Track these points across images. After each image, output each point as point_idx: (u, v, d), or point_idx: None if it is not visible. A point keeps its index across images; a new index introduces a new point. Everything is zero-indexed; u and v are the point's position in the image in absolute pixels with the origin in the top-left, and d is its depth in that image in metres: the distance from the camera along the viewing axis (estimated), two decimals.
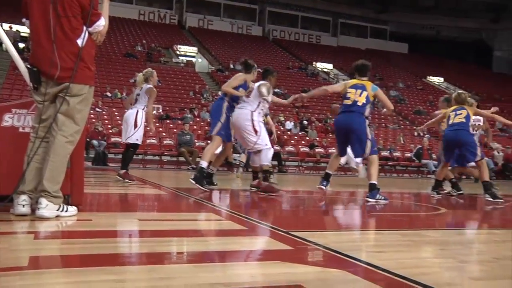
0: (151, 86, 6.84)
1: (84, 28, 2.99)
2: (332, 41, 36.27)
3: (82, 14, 2.96)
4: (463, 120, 6.13)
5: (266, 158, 5.71)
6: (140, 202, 4.82)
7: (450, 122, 6.25)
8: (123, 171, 6.68)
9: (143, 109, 6.73)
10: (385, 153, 16.39)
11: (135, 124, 6.58)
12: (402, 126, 22.14)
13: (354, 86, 5.59)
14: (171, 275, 1.75)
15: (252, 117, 5.71)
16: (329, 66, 30.44)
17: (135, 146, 6.79)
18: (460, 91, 6.76)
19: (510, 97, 30.66)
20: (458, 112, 6.20)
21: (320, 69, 29.80)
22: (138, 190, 6.12)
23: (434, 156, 15.84)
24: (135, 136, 6.62)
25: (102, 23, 3.05)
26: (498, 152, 15.21)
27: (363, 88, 5.55)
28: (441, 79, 32.66)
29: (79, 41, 2.95)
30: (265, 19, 35.12)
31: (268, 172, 5.78)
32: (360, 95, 5.49)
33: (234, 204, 4.94)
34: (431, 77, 32.80)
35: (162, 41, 28.14)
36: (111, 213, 3.75)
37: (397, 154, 16.56)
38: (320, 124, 20.06)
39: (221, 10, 33.78)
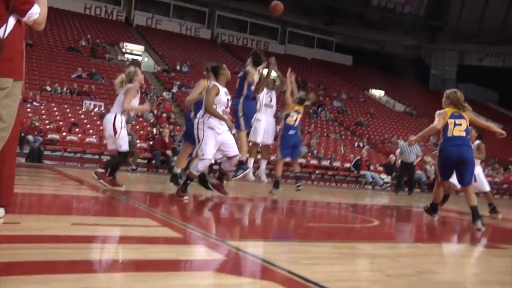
0: (133, 85, 6.30)
1: (10, 17, 2.81)
2: (280, 48, 36.71)
3: (6, 2, 2.78)
4: (463, 134, 5.30)
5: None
6: (75, 204, 4.67)
7: (449, 134, 5.32)
8: (102, 171, 6.18)
9: (121, 113, 6.16)
10: (325, 163, 16.75)
11: (114, 132, 6.08)
12: (343, 137, 22.72)
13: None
14: (102, 285, 1.73)
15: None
16: (274, 73, 30.79)
17: (124, 153, 6.32)
18: (455, 89, 5.66)
19: None
20: (457, 122, 5.33)
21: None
22: (74, 191, 5.95)
23: (372, 167, 16.39)
24: (119, 143, 6.13)
25: (36, 11, 2.88)
26: (430, 166, 15.92)
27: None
28: (382, 93, 33.83)
29: (0, 31, 2.77)
30: (215, 22, 35.08)
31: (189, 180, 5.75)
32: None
33: (173, 210, 4.89)
34: (372, 90, 33.90)
35: (107, 37, 27.46)
36: (42, 216, 3.58)
37: (337, 164, 16.97)
38: None
39: (170, 10, 33.40)
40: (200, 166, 5.65)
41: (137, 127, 16.22)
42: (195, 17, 34.56)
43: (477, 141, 7.56)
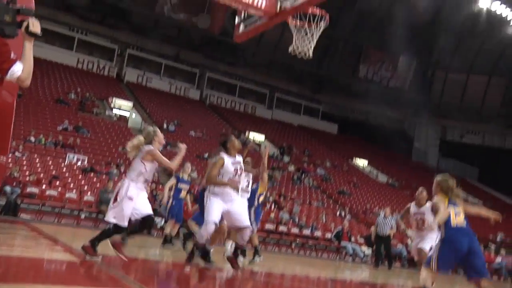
0: (152, 147, 5.62)
1: None
2: (267, 113, 37.30)
3: None
4: (464, 223, 5.02)
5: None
6: (43, 269, 4.48)
7: (453, 223, 4.99)
8: (88, 244, 5.35)
9: (134, 180, 5.47)
10: (306, 231, 16.59)
11: (115, 198, 5.46)
12: (325, 205, 22.67)
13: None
14: None
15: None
16: (262, 137, 31.10)
17: (115, 226, 5.37)
18: (446, 177, 5.29)
19: (425, 186, 32.46)
20: (457, 210, 5.05)
21: (252, 139, 30.36)
22: (46, 253, 5.73)
23: (353, 238, 16.24)
24: (111, 213, 5.42)
25: (17, 68, 2.82)
26: (411, 241, 15.81)
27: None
28: (366, 163, 34.18)
29: None
30: (204, 83, 35.69)
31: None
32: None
33: (150, 279, 4.72)
34: (356, 160, 34.26)
35: (97, 92, 27.69)
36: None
37: (318, 233, 16.80)
38: None
39: (161, 69, 34.01)
40: (204, 231, 5.55)
41: (119, 184, 16.04)
42: (185, 77, 35.18)
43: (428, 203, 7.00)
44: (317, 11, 5.22)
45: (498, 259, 19.00)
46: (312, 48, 5.38)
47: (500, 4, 32.37)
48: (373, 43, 38.26)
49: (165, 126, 25.69)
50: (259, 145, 24.96)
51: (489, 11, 33.15)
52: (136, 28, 33.42)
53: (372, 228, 13.68)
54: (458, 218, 4.97)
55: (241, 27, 5.66)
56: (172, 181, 9.37)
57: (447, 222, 4.97)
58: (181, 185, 9.27)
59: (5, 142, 2.96)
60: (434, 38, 37.81)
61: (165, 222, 10.18)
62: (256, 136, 30.95)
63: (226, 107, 35.46)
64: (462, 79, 39.41)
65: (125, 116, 25.77)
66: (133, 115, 26.38)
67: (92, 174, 16.45)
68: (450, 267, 5.16)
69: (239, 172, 5.86)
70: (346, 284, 7.30)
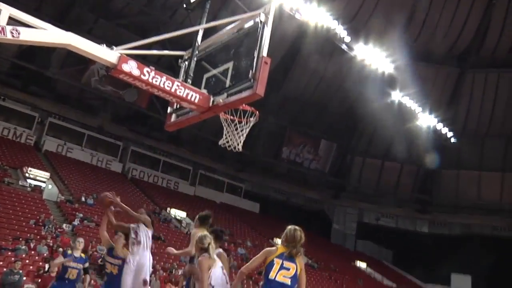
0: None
1: None
2: (190, 189, 36.99)
3: None
4: (288, 282, 4.55)
5: None
6: None
7: (271, 276, 4.54)
8: None
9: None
10: None
11: None
12: (245, 285, 22.28)
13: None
14: None
15: None
16: (183, 214, 30.58)
17: None
18: (296, 226, 4.97)
19: (342, 268, 33.12)
20: (285, 265, 4.60)
21: (173, 216, 29.75)
22: None
23: None
24: None
25: None
26: None
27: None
28: None
29: None
30: (127, 156, 35.04)
31: None
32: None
33: None
34: (277, 240, 34.35)
35: (11, 160, 26.29)
36: None
37: None
38: (165, 273, 19.40)
39: (84, 140, 33.07)
40: None
41: (27, 261, 14.91)
42: (108, 149, 34.40)
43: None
44: (248, 108, 5.46)
45: None
46: (242, 142, 5.56)
47: (409, 99, 35.31)
48: (296, 127, 39.96)
49: (83, 199, 24.68)
50: None
51: (400, 104, 35.98)
52: (60, 97, 32.70)
53: None
54: (281, 273, 4.54)
55: (173, 117, 5.77)
56: (60, 260, 8.68)
57: (266, 274, 4.56)
58: (69, 264, 8.18)
59: None
60: (353, 124, 40.26)
61: None
62: (178, 213, 30.39)
63: (149, 181, 34.84)
64: (378, 165, 41.75)
65: (40, 187, 24.42)
66: (50, 186, 25.08)
67: None
68: None
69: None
70: None
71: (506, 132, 38.22)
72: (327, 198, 42.96)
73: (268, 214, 39.53)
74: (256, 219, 37.39)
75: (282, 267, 4.54)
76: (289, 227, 4.97)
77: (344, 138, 40.78)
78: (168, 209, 30.32)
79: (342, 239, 42.24)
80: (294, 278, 4.57)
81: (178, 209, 30.82)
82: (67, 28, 4.91)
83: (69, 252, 8.41)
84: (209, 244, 5.11)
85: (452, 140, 38.42)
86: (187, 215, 30.54)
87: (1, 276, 11.69)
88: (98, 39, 5.02)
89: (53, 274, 11.65)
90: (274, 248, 4.75)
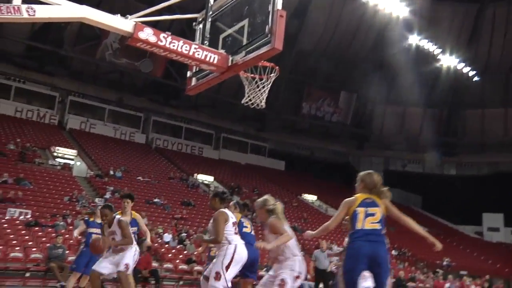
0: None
1: None
2: (214, 154, 37.34)
3: None
4: (377, 226, 4.44)
5: None
6: None
7: (359, 226, 4.44)
8: None
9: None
10: (262, 273, 16.46)
11: None
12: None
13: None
14: None
15: None
16: (210, 178, 30.99)
17: None
18: (371, 171, 4.77)
19: None
20: (370, 211, 4.47)
21: (200, 181, 30.19)
22: None
23: (308, 276, 16.18)
24: None
25: None
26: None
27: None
28: (315, 197, 34.70)
29: None
30: (149, 127, 35.41)
31: None
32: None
33: None
34: (305, 195, 34.71)
35: (38, 141, 26.82)
36: None
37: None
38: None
39: (105, 115, 33.48)
40: None
41: (67, 235, 15.41)
42: (130, 122, 34.80)
43: None
44: (267, 64, 5.43)
45: (447, 285, 19.58)
46: (265, 98, 5.57)
47: (428, 41, 34.50)
48: (314, 81, 39.56)
49: (111, 172, 25.15)
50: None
51: (418, 47, 35.23)
52: (77, 74, 32.92)
53: (311, 263, 13.57)
54: (368, 219, 4.41)
55: (193, 80, 5.77)
56: (82, 227, 8.73)
57: (353, 224, 4.44)
58: (92, 230, 8.58)
59: None
60: (371, 73, 39.61)
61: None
62: (205, 178, 30.81)
63: (173, 149, 35.25)
64: (400, 112, 41.32)
65: (69, 165, 24.98)
66: (78, 163, 25.64)
67: (37, 228, 15.73)
68: (355, 285, 4.31)
69: None
70: None
71: None
72: (352, 150, 42.89)
73: (293, 171, 39.77)
74: (283, 176, 37.67)
75: (367, 215, 4.43)
76: (363, 173, 4.76)
77: (363, 87, 40.23)
78: (195, 174, 30.73)
79: None
80: (382, 222, 4.46)
81: (205, 174, 31.23)
82: (77, 1, 4.91)
83: (91, 219, 8.71)
84: (274, 206, 5.39)
85: (475, 78, 37.64)
86: (214, 179, 30.97)
87: (47, 251, 12.23)
88: (107, 11, 5.00)
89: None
90: (352, 198, 4.56)
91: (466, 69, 36.87)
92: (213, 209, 5.95)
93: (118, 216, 6.52)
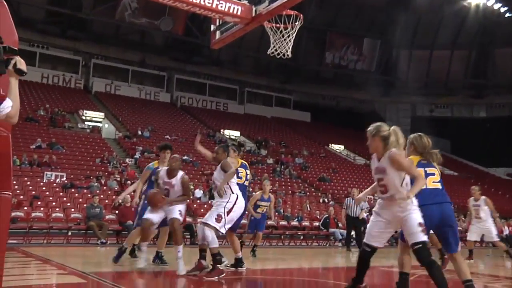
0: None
1: None
2: (239, 109, 37.39)
3: None
4: (439, 186, 4.44)
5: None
6: None
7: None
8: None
9: None
10: (294, 223, 16.79)
11: None
12: (308, 193, 22.95)
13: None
14: None
15: None
16: (237, 133, 31.18)
17: None
18: (420, 134, 4.73)
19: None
20: (429, 171, 4.44)
21: (228, 136, 30.41)
22: (54, 278, 5.71)
23: (340, 224, 16.46)
24: None
25: (7, 105, 2.81)
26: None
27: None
28: (342, 147, 34.65)
29: None
30: (173, 86, 35.53)
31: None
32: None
33: None
34: (333, 145, 34.68)
35: (66, 106, 27.29)
36: None
37: (306, 223, 17.02)
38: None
39: (129, 76, 33.68)
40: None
41: (102, 196, 15.92)
42: (153, 81, 34.97)
43: (483, 197, 9.99)
44: (292, 12, 5.34)
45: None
46: (290, 47, 5.50)
47: None
48: (336, 29, 38.68)
49: (139, 132, 25.54)
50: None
51: None
52: (98, 37, 32.98)
53: (343, 211, 13.69)
54: (430, 179, 4.37)
55: (217, 34, 5.73)
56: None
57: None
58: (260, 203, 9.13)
59: (8, 178, 3.00)
60: (395, 17, 38.41)
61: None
62: (232, 133, 31.02)
63: (198, 107, 35.42)
64: (426, 56, 40.26)
65: (98, 127, 25.45)
66: (106, 125, 26.11)
67: (73, 190, 16.27)
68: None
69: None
70: (338, 270, 7.49)
71: None
72: (377, 97, 42.25)
73: (319, 121, 39.59)
74: (309, 127, 37.60)
75: (427, 174, 4.35)
76: (413, 135, 4.67)
77: (387, 33, 39.14)
78: (222, 130, 30.95)
79: None
80: (441, 182, 4.43)
81: (231, 130, 31.42)
82: None
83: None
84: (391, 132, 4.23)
85: (507, 15, 36.12)
86: (240, 134, 31.14)
87: (85, 211, 12.68)
88: None
89: (128, 204, 12.45)
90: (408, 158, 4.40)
91: (496, 5, 35.36)
92: (217, 162, 6.19)
93: (182, 172, 6.43)
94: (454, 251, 4.26)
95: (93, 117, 26.71)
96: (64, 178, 17.65)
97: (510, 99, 39.69)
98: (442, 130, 40.34)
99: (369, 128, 4.24)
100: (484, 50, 39.02)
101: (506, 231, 19.74)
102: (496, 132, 35.91)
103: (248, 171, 6.96)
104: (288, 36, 5.44)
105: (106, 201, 15.50)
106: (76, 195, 15.68)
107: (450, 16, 36.30)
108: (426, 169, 4.36)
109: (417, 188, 3.93)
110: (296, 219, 17.26)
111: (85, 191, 16.21)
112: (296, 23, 5.44)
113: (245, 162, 7.10)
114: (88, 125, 25.35)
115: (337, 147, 34.66)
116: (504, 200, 30.19)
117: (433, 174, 4.36)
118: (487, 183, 34.16)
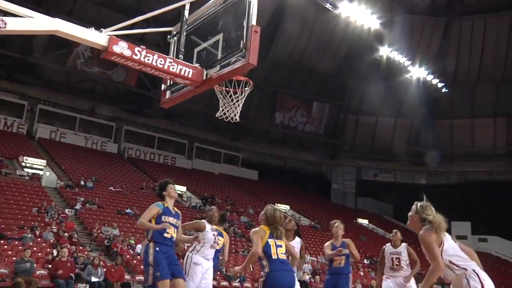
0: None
1: None
2: (187, 163, 37.10)
3: None
4: (285, 257, 4.92)
5: None
6: None
7: (274, 256, 4.74)
8: None
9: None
10: (236, 283, 16.44)
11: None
12: None
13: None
14: None
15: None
16: (183, 188, 30.76)
17: None
18: (274, 206, 5.16)
19: (345, 227, 33.54)
20: (278, 243, 4.87)
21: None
22: None
23: None
24: None
25: None
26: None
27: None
28: (288, 207, 34.77)
29: None
30: (122, 136, 34.96)
31: None
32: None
33: None
34: (279, 205, 34.70)
35: (5, 151, 26.19)
36: None
37: (247, 285, 16.70)
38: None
39: (76, 124, 32.91)
40: None
41: (35, 248, 15.06)
42: (102, 131, 34.32)
43: (404, 244, 7.75)
44: (241, 77, 5.47)
45: None
46: (239, 112, 5.59)
47: (398, 53, 35.24)
48: (287, 91, 39.85)
49: (82, 182, 24.72)
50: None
51: (389, 59, 35.90)
52: (47, 83, 32.30)
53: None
54: (279, 250, 4.72)
55: (167, 93, 5.76)
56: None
57: (267, 255, 4.68)
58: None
59: None
60: (344, 83, 40.20)
61: None
62: (178, 188, 30.52)
63: (145, 159, 34.89)
64: (372, 122, 41.98)
65: (39, 175, 24.43)
66: (47, 173, 25.12)
67: (2, 241, 15.28)
68: None
69: (217, 241, 6.22)
70: None
71: (496, 78, 38.38)
72: (324, 159, 43.25)
73: (267, 180, 39.85)
74: (256, 186, 37.69)
75: (277, 246, 4.75)
76: (268, 206, 5.12)
77: (336, 98, 40.76)
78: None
79: (342, 198, 42.74)
80: (286, 254, 4.86)
81: (178, 184, 30.90)
82: (46, 11, 4.85)
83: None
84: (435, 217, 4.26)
85: (443, 90, 38.57)
86: (187, 189, 30.75)
87: (13, 265, 11.85)
88: (78, 21, 4.96)
89: (64, 259, 11.84)
90: (260, 229, 4.87)
91: (435, 81, 37.73)
92: None
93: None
94: None
95: (34, 164, 25.65)
96: None
97: (447, 168, 41.63)
98: (386, 195, 41.55)
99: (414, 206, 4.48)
100: (424, 120, 41.16)
101: None
102: (435, 199, 37.13)
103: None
104: (238, 101, 5.53)
105: (39, 254, 14.67)
106: (6, 247, 14.74)
107: (395, 87, 38.32)
108: (276, 240, 4.76)
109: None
110: (238, 280, 16.91)
111: (16, 242, 15.29)
112: (246, 88, 5.56)
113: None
114: (28, 172, 24.26)
115: (283, 207, 34.71)
116: None
117: (281, 246, 4.76)
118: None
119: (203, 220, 6.36)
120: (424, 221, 4.26)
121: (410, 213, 4.48)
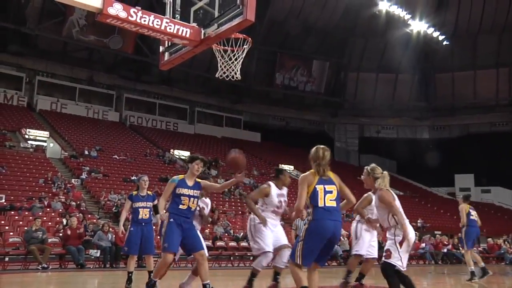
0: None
1: None
2: (189, 128, 37.14)
3: None
4: (335, 204, 4.68)
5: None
6: None
7: (321, 203, 4.43)
8: None
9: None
10: (243, 243, 16.70)
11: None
12: None
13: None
14: None
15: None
16: (186, 153, 30.88)
17: None
18: (322, 146, 4.97)
19: (349, 185, 33.83)
20: (327, 188, 4.54)
21: (177, 157, 30.09)
22: None
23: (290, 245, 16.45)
24: None
25: None
26: (344, 238, 16.48)
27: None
28: (292, 167, 34.96)
29: None
30: (122, 105, 34.88)
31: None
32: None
33: None
34: (282, 165, 34.89)
35: (8, 124, 26.21)
36: None
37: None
38: None
39: (76, 94, 32.79)
40: (264, 261, 5.74)
41: (44, 218, 15.29)
42: (102, 100, 34.20)
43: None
44: (240, 35, 5.40)
45: (422, 245, 20.14)
46: (239, 70, 5.55)
47: (397, 7, 34.59)
48: (286, 50, 39.40)
49: (86, 152, 24.85)
50: None
51: (388, 13, 35.28)
52: (44, 53, 31.91)
53: (292, 232, 13.63)
54: (328, 197, 4.52)
55: (166, 55, 5.70)
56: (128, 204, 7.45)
57: (314, 202, 4.53)
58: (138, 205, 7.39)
59: None
60: (343, 40, 39.67)
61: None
62: (181, 153, 30.72)
63: (148, 126, 34.92)
64: (373, 78, 41.65)
65: (42, 146, 24.55)
66: (51, 145, 25.24)
67: (12, 213, 15.51)
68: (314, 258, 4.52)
69: (283, 204, 6.13)
70: None
71: (498, 27, 37.74)
72: (326, 118, 43.21)
73: (269, 142, 39.90)
74: (259, 148, 37.78)
75: (326, 192, 4.53)
76: (313, 149, 4.95)
77: (335, 55, 40.32)
78: (172, 150, 30.60)
79: (346, 156, 42.89)
80: (338, 199, 4.61)
81: (181, 150, 31.12)
82: None
83: (134, 193, 7.45)
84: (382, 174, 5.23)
85: (444, 42, 38.06)
86: (190, 154, 30.84)
87: (24, 234, 12.04)
88: None
89: (74, 227, 12.03)
90: (309, 174, 4.61)
91: (435, 34, 37.19)
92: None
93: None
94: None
95: (37, 136, 25.75)
96: (3, 200, 16.83)
97: (450, 122, 41.59)
98: (389, 151, 41.65)
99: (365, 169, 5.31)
100: (425, 74, 40.82)
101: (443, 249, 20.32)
102: (438, 153, 37.38)
103: None
104: (236, 59, 5.48)
105: (49, 223, 14.91)
106: (16, 217, 14.97)
107: (394, 42, 37.80)
108: (325, 186, 4.60)
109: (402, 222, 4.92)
110: (246, 240, 17.18)
111: (26, 213, 15.52)
112: (245, 46, 5.50)
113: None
114: (32, 144, 24.39)
115: (287, 167, 34.92)
116: (446, 218, 31.39)
117: (331, 192, 4.60)
118: (430, 202, 35.47)
119: (270, 183, 6.25)
120: (376, 180, 5.12)
121: (363, 177, 5.37)
